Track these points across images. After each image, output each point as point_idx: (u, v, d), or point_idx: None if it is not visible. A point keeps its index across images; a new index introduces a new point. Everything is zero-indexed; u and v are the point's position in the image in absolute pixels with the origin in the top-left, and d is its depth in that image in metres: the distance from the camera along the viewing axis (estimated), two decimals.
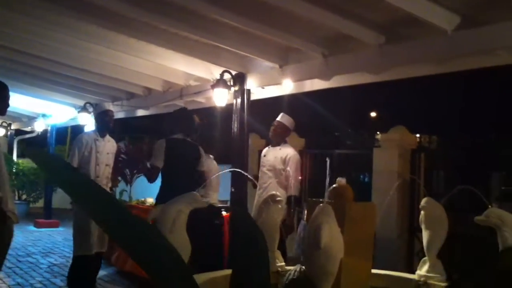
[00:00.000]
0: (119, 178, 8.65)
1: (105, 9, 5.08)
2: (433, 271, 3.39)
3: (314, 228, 2.49)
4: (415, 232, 5.93)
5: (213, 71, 6.35)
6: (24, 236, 9.96)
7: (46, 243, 9.40)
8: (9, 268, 7.11)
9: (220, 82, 6.05)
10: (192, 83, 7.25)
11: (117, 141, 6.20)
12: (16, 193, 13.35)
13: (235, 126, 6.28)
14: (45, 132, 12.08)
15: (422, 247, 3.56)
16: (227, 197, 6.67)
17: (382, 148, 6.48)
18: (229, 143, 6.42)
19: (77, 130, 9.26)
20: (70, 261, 5.75)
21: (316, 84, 6.12)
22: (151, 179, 5.23)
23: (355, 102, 18.78)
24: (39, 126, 12.00)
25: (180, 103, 7.42)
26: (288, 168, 5.63)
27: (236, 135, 6.26)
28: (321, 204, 2.62)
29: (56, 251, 8.68)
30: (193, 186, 5.21)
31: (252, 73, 6.25)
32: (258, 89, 6.44)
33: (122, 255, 6.77)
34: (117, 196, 8.95)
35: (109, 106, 6.12)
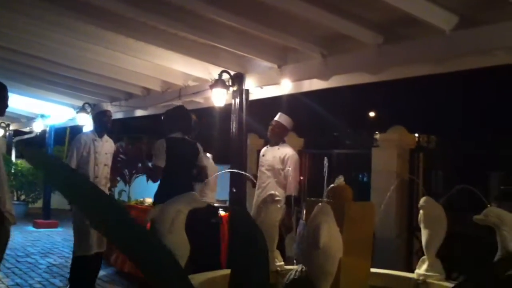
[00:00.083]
0: (118, 178, 8.66)
1: (104, 9, 5.08)
2: (432, 270, 3.40)
3: (313, 227, 2.49)
4: (414, 231, 5.93)
5: (212, 71, 6.35)
6: (23, 237, 9.96)
7: (45, 244, 9.39)
8: (8, 268, 7.11)
9: (219, 82, 6.05)
10: (191, 83, 7.25)
11: (115, 142, 6.20)
12: (15, 194, 13.34)
13: (233, 126, 6.28)
14: (43, 132, 12.07)
15: (421, 246, 3.57)
16: (225, 197, 6.67)
17: (380, 148, 6.48)
18: (227, 143, 6.42)
19: (75, 130, 9.25)
20: (69, 261, 5.75)
21: (314, 84, 6.12)
22: (155, 179, 5.21)
23: (354, 102, 18.78)
24: (37, 127, 11.98)
25: (178, 103, 7.42)
26: (287, 168, 5.63)
27: (235, 135, 6.26)
28: (320, 204, 2.62)
29: (55, 251, 8.68)
30: (193, 184, 5.25)
31: (250, 73, 6.25)
32: (257, 89, 6.44)
33: (122, 256, 6.77)
34: (116, 196, 8.94)
35: (107, 106, 6.11)
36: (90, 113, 8.06)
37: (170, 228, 2.99)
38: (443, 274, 3.41)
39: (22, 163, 13.61)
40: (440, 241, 3.44)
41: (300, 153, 6.93)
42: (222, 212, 6.51)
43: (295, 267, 2.33)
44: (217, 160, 6.90)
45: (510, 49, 4.27)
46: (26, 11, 5.47)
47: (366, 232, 3.16)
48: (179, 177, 5.06)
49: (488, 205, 3.20)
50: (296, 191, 5.70)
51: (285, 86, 5.89)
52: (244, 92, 6.26)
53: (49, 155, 1.25)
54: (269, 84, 6.22)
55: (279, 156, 5.76)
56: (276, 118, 5.92)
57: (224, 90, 6.10)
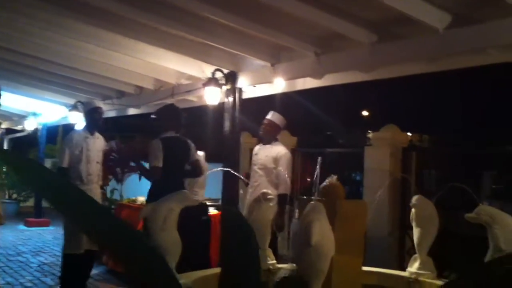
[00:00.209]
0: (110, 176, 8.62)
1: (96, 7, 5.05)
2: (423, 268, 3.41)
3: (305, 225, 2.49)
4: (406, 229, 5.94)
5: (205, 70, 6.34)
6: (15, 235, 9.90)
7: (36, 242, 9.34)
8: None
9: (212, 80, 6.04)
10: (184, 81, 7.22)
11: (108, 140, 6.17)
12: (7, 192, 13.25)
13: (226, 124, 6.27)
14: (35, 131, 12.01)
15: (413, 245, 3.58)
16: (217, 195, 6.66)
17: (373, 147, 6.49)
18: (220, 141, 6.41)
19: (68, 129, 9.21)
20: (61, 259, 5.72)
21: (308, 83, 6.11)
22: (154, 180, 5.13)
23: (347, 101, 18.80)
24: (29, 125, 11.92)
25: (171, 102, 7.40)
26: (279, 167, 5.63)
27: (228, 134, 6.25)
28: (312, 202, 2.62)
29: (47, 250, 8.64)
30: (184, 182, 5.23)
31: (243, 72, 6.24)
32: (250, 87, 6.43)
33: None
34: (108, 195, 8.90)
35: (99, 103, 6.08)
36: (82, 111, 8.03)
37: (163, 226, 2.99)
38: (434, 272, 3.42)
39: None
40: (432, 240, 3.45)
41: (293, 151, 6.93)
42: (214, 211, 6.51)
43: (286, 265, 2.33)
44: (210, 159, 6.89)
45: (503, 48, 4.28)
46: (18, 9, 5.42)
47: (358, 230, 3.16)
48: (172, 176, 5.04)
49: (479, 204, 3.21)
50: (288, 190, 5.69)
51: (278, 85, 5.88)
52: (237, 91, 6.25)
53: (25, 157, 1.20)
54: (262, 83, 6.22)
55: (271, 155, 5.75)
56: (268, 116, 5.92)
57: (217, 89, 6.08)
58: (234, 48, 5.70)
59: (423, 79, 6.79)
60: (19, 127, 13.62)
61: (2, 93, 4.11)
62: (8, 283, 6.33)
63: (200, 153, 6.40)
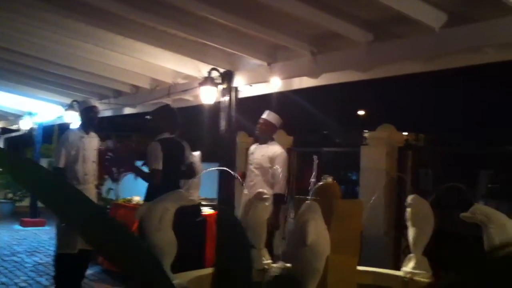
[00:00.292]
0: (106, 176, 8.59)
1: (92, 6, 5.03)
2: (419, 268, 3.41)
3: (301, 225, 2.48)
4: (402, 229, 5.95)
5: (201, 69, 6.32)
6: (10, 235, 9.87)
7: (31, 242, 9.31)
8: None
9: (208, 80, 6.03)
10: (180, 81, 7.21)
11: (104, 139, 6.16)
12: (2, 192, 13.21)
13: (223, 124, 6.26)
14: (31, 130, 11.97)
15: (409, 244, 3.58)
16: (213, 195, 6.66)
17: (369, 146, 6.49)
18: (217, 141, 6.40)
19: (64, 128, 9.17)
20: (53, 259, 5.70)
21: (304, 82, 6.11)
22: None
23: (344, 100, 18.79)
24: (25, 125, 11.88)
25: (167, 101, 7.38)
26: (275, 166, 5.62)
27: (224, 133, 6.24)
28: (308, 202, 2.62)
29: (42, 250, 8.61)
30: (179, 182, 5.21)
31: (240, 71, 6.23)
32: (246, 86, 6.42)
33: None
34: (104, 195, 8.88)
35: (95, 102, 6.07)
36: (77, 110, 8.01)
37: (158, 226, 2.99)
38: (429, 271, 3.42)
39: None
40: (427, 239, 3.45)
41: (289, 151, 6.92)
42: (210, 210, 6.49)
43: (276, 264, 2.32)
44: (206, 158, 6.87)
45: (499, 46, 4.28)
46: (14, 8, 5.40)
47: (354, 230, 3.16)
48: (170, 178, 5.02)
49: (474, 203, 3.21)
50: (284, 189, 5.69)
51: (275, 84, 5.87)
52: (233, 90, 6.24)
53: (19, 156, 1.18)
54: (258, 82, 6.21)
55: (267, 155, 5.75)
56: (264, 116, 5.91)
57: (214, 88, 6.07)
58: (230, 47, 5.69)
59: (419, 79, 6.79)
60: (14, 127, 13.58)
61: None
62: (2, 283, 6.31)
63: (196, 153, 6.38)
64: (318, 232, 2.46)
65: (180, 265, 3.02)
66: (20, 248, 8.66)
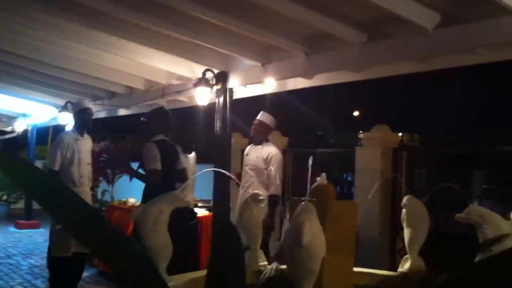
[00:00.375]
0: (101, 178, 8.57)
1: (86, 7, 5.01)
2: (414, 269, 3.41)
3: (296, 226, 2.48)
4: (397, 230, 5.95)
5: (195, 70, 6.31)
6: (5, 238, 9.83)
7: (27, 245, 9.27)
8: None
9: (202, 80, 6.02)
10: (174, 81, 7.19)
11: (98, 141, 6.14)
12: None
13: (217, 125, 6.25)
14: (25, 132, 11.92)
15: (404, 245, 3.58)
16: (209, 196, 6.64)
17: (364, 147, 6.49)
18: (211, 142, 6.38)
19: (58, 130, 9.14)
20: (47, 261, 5.68)
21: (299, 83, 6.11)
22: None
23: (338, 101, 18.83)
24: (19, 126, 11.83)
25: (162, 102, 7.36)
26: (270, 167, 5.62)
27: (219, 134, 6.23)
28: (303, 203, 2.61)
29: (37, 252, 8.57)
30: (174, 185, 5.20)
31: (234, 72, 6.22)
32: (241, 87, 6.41)
33: None
34: (99, 196, 8.86)
35: (88, 103, 6.04)
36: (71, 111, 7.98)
37: (153, 228, 2.97)
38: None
39: None
40: (423, 240, 3.46)
41: (284, 152, 6.92)
42: (205, 212, 6.47)
43: (270, 265, 2.31)
44: (201, 160, 6.86)
45: (491, 47, 4.30)
46: (7, 7, 5.37)
47: (349, 231, 3.16)
48: (165, 179, 5.01)
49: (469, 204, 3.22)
50: (279, 190, 5.69)
51: (269, 85, 5.86)
52: (227, 91, 6.23)
53: (18, 157, 1.17)
54: (253, 83, 6.20)
55: (262, 156, 5.75)
56: (259, 117, 5.91)
57: (208, 89, 6.06)
58: (225, 48, 5.68)
59: (413, 79, 6.80)
60: (8, 129, 13.50)
61: None
62: None
63: (191, 155, 6.37)
64: (314, 233, 2.46)
65: (175, 267, 3.01)
66: (15, 251, 8.62)
